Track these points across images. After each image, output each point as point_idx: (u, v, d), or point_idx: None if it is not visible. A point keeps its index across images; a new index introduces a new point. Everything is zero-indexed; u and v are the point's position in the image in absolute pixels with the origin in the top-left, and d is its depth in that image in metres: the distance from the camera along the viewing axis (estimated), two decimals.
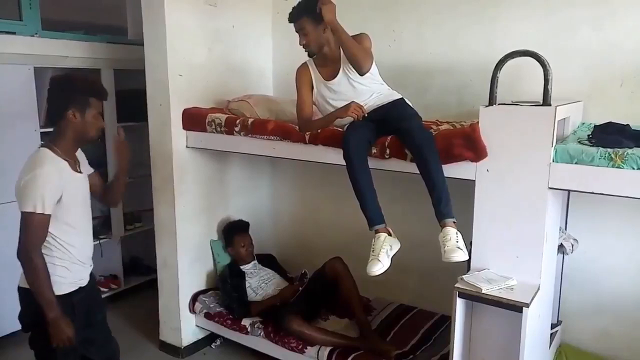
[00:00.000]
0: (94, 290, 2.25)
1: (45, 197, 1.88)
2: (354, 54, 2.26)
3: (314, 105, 2.54)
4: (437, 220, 2.13)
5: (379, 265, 2.13)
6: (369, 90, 2.40)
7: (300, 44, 2.41)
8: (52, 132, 2.04)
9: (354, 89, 2.39)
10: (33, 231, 1.89)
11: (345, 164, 2.24)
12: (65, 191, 1.95)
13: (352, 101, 2.32)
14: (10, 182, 3.32)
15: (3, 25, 3.12)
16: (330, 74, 2.43)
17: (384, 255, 2.15)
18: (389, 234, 2.24)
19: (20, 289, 2.04)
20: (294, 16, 2.38)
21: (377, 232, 2.22)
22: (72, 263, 2.04)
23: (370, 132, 2.29)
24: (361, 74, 2.31)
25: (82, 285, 2.10)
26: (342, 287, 2.88)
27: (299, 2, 2.38)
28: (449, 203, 2.12)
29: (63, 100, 1.97)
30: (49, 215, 1.91)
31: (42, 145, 2.00)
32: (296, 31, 2.40)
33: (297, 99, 2.52)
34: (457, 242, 2.06)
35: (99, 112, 2.05)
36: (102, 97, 2.06)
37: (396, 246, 2.25)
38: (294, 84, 2.52)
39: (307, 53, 2.45)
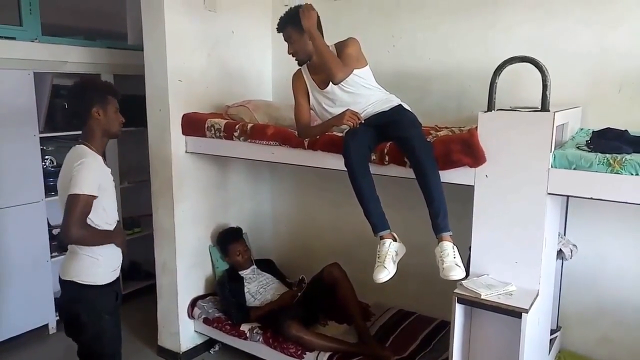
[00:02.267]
0: (119, 282, 2.41)
1: (93, 181, 2.06)
2: (325, 64, 2.29)
3: (312, 111, 2.55)
4: (433, 233, 2.14)
5: (385, 272, 2.15)
6: (364, 96, 2.40)
7: (288, 53, 2.46)
8: (83, 132, 2.19)
9: (349, 94, 2.40)
10: (78, 209, 2.02)
11: (346, 170, 2.24)
12: (102, 180, 2.13)
13: (347, 109, 2.32)
14: (10, 187, 3.33)
15: (3, 30, 3.13)
16: (323, 82, 2.44)
17: (389, 261, 2.16)
18: (394, 240, 2.25)
19: (62, 281, 2.18)
20: (281, 26, 2.42)
21: (382, 238, 2.23)
22: (112, 251, 2.21)
23: (369, 138, 2.29)
24: (334, 83, 2.33)
25: (117, 276, 2.27)
26: (340, 293, 2.88)
27: (285, 12, 2.41)
28: (446, 216, 2.13)
29: (87, 101, 2.15)
30: (94, 197, 2.06)
31: (77, 144, 2.17)
32: (284, 40, 2.45)
33: (294, 106, 2.53)
34: (455, 258, 2.08)
35: (117, 108, 2.23)
36: (117, 95, 2.25)
37: (402, 251, 2.26)
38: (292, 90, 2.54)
39: (296, 62, 2.49)
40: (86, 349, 2.21)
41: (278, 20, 2.43)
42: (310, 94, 2.50)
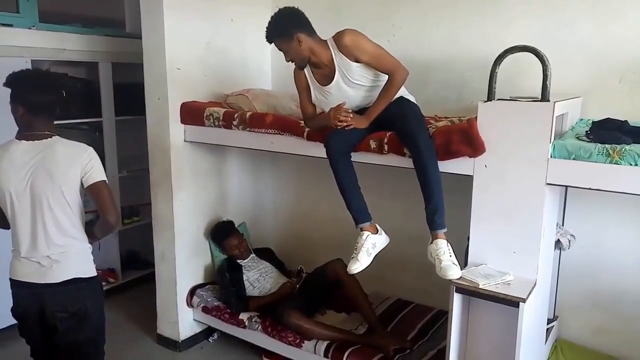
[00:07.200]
0: None
1: None
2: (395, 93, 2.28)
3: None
4: (428, 228, 2.17)
5: (357, 264, 2.24)
6: (369, 89, 2.35)
7: (286, 61, 2.39)
8: (49, 125, 2.09)
9: (352, 89, 2.34)
10: (111, 194, 2.08)
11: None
12: None
13: (330, 109, 2.30)
14: None
15: (0, 17, 3.10)
16: (325, 78, 2.37)
17: (363, 254, 2.24)
18: (375, 231, 2.31)
19: (60, 284, 2.03)
20: (269, 39, 2.34)
21: (362, 230, 2.29)
22: None
23: (354, 134, 2.27)
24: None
25: None
26: (346, 289, 2.88)
27: (267, 26, 2.32)
28: (443, 213, 2.15)
29: (62, 95, 2.15)
30: None
31: (54, 135, 2.07)
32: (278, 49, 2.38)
33: (299, 100, 2.53)
34: (451, 256, 2.12)
35: None
36: None
37: (381, 242, 2.32)
38: (293, 78, 2.51)
39: (297, 67, 2.42)
40: (91, 344, 2.13)
41: (265, 31, 2.33)
42: (311, 88, 2.45)
